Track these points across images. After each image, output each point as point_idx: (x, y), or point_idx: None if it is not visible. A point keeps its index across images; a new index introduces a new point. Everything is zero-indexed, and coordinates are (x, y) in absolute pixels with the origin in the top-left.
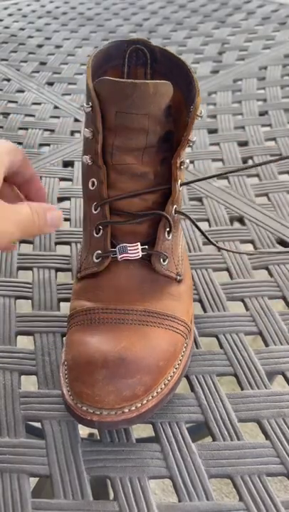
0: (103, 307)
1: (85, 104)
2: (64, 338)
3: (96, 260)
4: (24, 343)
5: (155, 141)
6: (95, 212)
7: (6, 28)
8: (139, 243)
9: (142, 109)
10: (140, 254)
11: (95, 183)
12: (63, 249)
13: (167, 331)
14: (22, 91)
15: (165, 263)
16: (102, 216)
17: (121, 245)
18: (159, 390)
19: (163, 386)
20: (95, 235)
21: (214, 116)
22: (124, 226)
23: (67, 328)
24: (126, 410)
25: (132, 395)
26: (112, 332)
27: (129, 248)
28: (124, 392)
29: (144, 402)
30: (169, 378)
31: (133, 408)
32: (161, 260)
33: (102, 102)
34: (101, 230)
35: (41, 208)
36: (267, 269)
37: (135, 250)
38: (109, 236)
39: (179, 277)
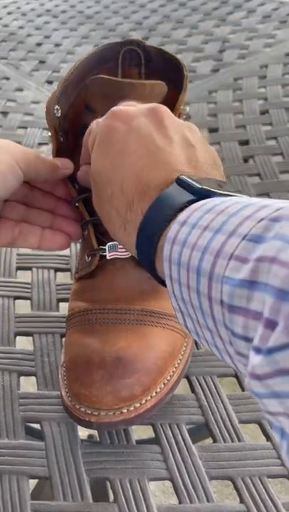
0: (100, 307)
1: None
2: (63, 340)
3: (88, 259)
4: (23, 343)
5: None
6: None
7: (5, 26)
8: None
9: None
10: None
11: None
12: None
13: (166, 330)
14: (21, 90)
15: None
16: (81, 214)
17: (111, 243)
18: (158, 390)
19: (162, 386)
20: (84, 233)
21: (215, 115)
22: None
23: (66, 329)
24: (124, 411)
25: (130, 396)
26: (109, 332)
27: (119, 246)
28: (122, 392)
29: (143, 402)
30: (169, 378)
31: (131, 408)
32: None
33: (96, 100)
34: (86, 229)
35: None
36: None
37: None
38: (93, 234)
39: None
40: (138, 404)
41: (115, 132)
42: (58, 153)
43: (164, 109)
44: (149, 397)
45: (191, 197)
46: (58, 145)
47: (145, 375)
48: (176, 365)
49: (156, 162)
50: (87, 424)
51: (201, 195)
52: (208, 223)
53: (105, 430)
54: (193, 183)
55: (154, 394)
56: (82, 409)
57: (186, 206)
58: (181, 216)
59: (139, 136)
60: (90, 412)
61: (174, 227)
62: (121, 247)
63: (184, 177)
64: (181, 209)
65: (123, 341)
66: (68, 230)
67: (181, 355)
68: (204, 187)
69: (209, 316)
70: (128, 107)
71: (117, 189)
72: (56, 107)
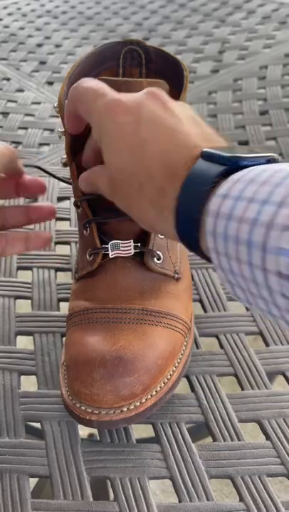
0: (101, 307)
1: (54, 105)
2: (63, 339)
3: (89, 258)
4: (24, 343)
5: None
6: (78, 210)
7: (6, 27)
8: (132, 240)
9: None
10: (132, 251)
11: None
12: (63, 249)
13: (166, 329)
14: (22, 90)
15: (159, 261)
16: (84, 213)
17: (113, 242)
18: (158, 388)
19: (162, 385)
20: (84, 233)
21: (215, 116)
22: (117, 224)
23: (66, 328)
24: (124, 409)
25: (130, 394)
26: (110, 331)
27: (121, 245)
28: (122, 391)
29: (143, 401)
30: (169, 377)
31: (132, 407)
32: (155, 259)
33: None
34: (88, 228)
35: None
36: None
37: (128, 247)
38: (96, 233)
39: (176, 275)
40: (138, 403)
41: (125, 126)
42: (71, 148)
43: (162, 92)
44: (150, 396)
45: (222, 168)
46: (70, 140)
47: (145, 374)
48: (176, 364)
49: (176, 143)
50: (88, 423)
51: (232, 163)
52: (253, 195)
53: (106, 429)
54: (221, 153)
55: (155, 393)
56: (83, 407)
57: (220, 178)
58: (222, 189)
59: (150, 122)
60: (90, 410)
61: (215, 201)
62: (123, 245)
63: (208, 150)
64: (216, 182)
65: (123, 340)
66: (45, 209)
67: (181, 354)
68: (234, 154)
69: (264, 287)
70: (124, 97)
71: (145, 179)
72: (66, 101)
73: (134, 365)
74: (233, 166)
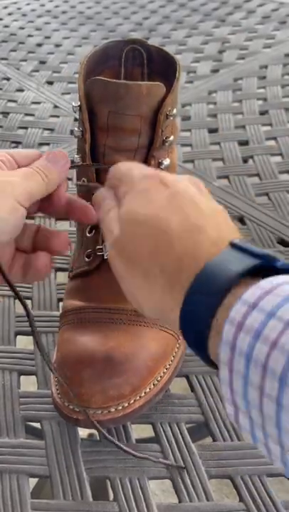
0: (94, 306)
1: (74, 104)
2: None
3: (87, 259)
4: (24, 343)
5: (147, 142)
6: None
7: (6, 27)
8: None
9: (134, 110)
10: None
11: (85, 182)
12: None
13: (158, 330)
14: (22, 90)
15: None
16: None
17: None
18: (148, 390)
19: (152, 386)
20: (88, 234)
21: (214, 116)
22: None
23: (59, 327)
24: (112, 410)
25: (118, 395)
26: (101, 331)
27: None
28: (110, 391)
29: (131, 402)
30: (159, 379)
31: (120, 408)
32: None
33: (94, 101)
34: (93, 230)
35: (41, 162)
36: None
37: None
38: (101, 235)
39: None
40: (126, 404)
41: (159, 190)
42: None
43: (199, 181)
44: (138, 397)
45: (255, 261)
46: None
47: (134, 375)
48: (168, 366)
49: (208, 223)
50: (76, 422)
51: (265, 260)
52: None
53: (93, 429)
54: (252, 247)
55: (144, 394)
56: (71, 406)
57: (248, 272)
58: (247, 295)
59: (188, 196)
60: (78, 410)
61: (238, 307)
62: None
63: (238, 241)
64: (239, 277)
65: (114, 341)
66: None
67: (172, 356)
68: (268, 253)
69: None
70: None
71: (165, 243)
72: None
73: (123, 366)
74: (264, 263)
